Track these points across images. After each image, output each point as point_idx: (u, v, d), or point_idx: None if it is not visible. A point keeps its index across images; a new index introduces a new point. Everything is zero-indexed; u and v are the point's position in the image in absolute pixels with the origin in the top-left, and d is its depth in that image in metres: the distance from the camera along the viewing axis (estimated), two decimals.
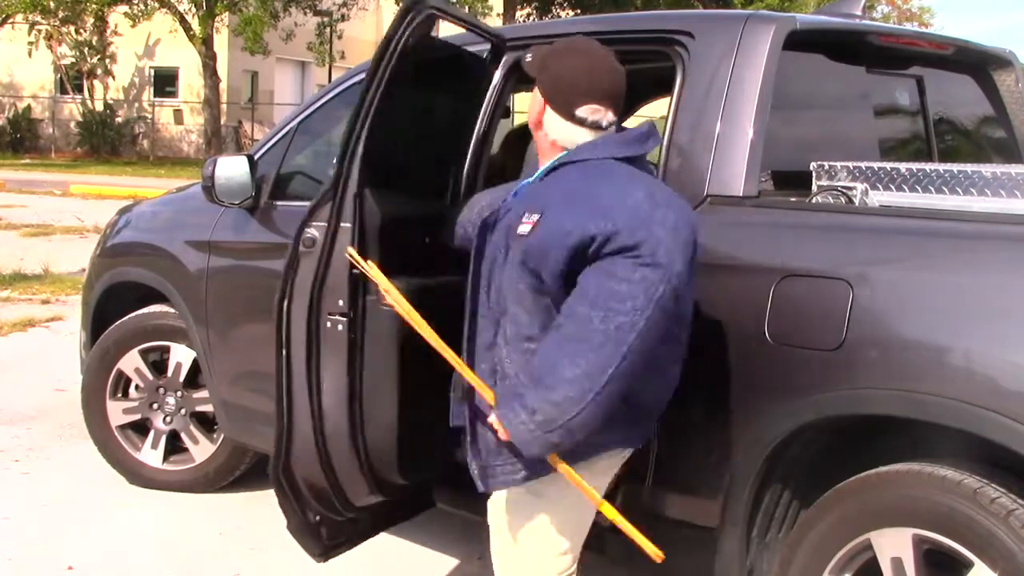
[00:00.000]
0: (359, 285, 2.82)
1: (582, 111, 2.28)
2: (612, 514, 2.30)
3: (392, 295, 2.51)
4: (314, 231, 2.82)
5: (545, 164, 2.37)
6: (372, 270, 2.59)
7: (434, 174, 3.26)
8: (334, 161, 2.81)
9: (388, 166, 2.98)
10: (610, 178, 2.23)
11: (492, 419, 2.21)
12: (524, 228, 2.21)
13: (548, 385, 2.08)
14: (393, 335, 2.82)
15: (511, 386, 2.21)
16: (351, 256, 2.64)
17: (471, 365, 2.38)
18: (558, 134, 2.32)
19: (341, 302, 2.79)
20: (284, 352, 2.87)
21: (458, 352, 2.41)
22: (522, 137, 4.16)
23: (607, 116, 2.30)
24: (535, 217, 2.20)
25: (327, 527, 3.01)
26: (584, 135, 2.31)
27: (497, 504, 2.50)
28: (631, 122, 5.88)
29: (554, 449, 2.15)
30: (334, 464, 2.92)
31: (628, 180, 2.22)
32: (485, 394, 2.27)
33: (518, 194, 2.40)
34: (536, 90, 2.37)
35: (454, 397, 2.53)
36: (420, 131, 3.31)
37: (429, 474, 3.14)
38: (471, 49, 3.31)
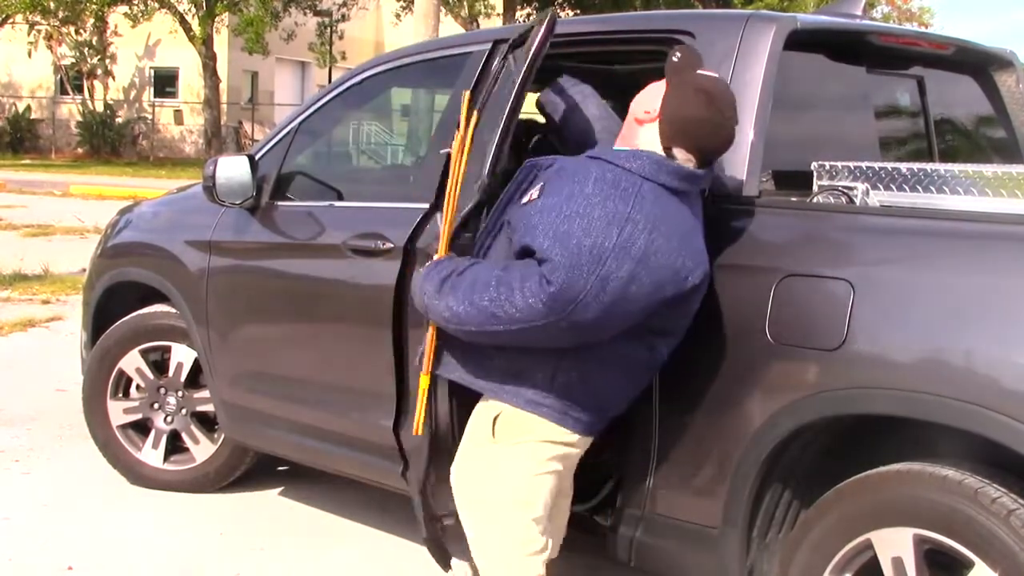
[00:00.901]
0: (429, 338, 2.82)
1: (677, 151, 2.43)
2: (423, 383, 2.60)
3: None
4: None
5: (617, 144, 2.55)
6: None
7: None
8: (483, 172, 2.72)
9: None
10: (616, 203, 2.31)
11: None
12: (530, 194, 2.46)
13: (441, 291, 2.43)
14: None
15: (444, 265, 2.49)
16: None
17: None
18: (639, 139, 2.48)
19: None
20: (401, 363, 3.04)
21: None
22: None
23: (690, 163, 2.44)
24: (535, 194, 2.43)
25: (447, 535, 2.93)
26: (658, 154, 2.43)
27: (457, 479, 2.64)
28: None
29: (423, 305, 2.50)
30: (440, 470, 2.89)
31: (624, 216, 2.29)
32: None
33: (561, 160, 2.55)
34: (665, 92, 2.49)
35: None
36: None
37: None
38: (469, 49, 3.30)
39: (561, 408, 2.47)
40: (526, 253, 2.35)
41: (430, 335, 2.57)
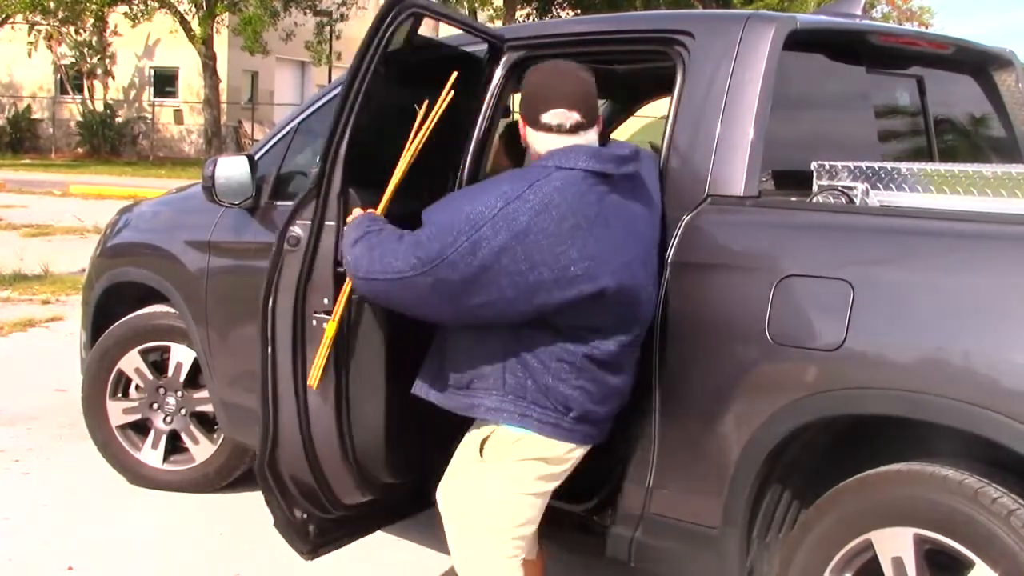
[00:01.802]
0: (344, 284, 2.82)
1: (546, 116, 2.47)
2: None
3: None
4: (298, 229, 2.83)
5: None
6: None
7: (426, 174, 3.26)
8: (317, 159, 2.82)
9: (373, 165, 2.98)
10: (551, 210, 2.35)
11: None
12: None
13: (353, 239, 2.56)
14: (379, 333, 2.83)
15: (367, 223, 2.61)
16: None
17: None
18: (535, 145, 2.52)
19: (326, 300, 2.80)
20: (270, 350, 2.88)
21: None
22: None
23: (570, 117, 2.46)
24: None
25: (315, 524, 3.01)
26: (554, 140, 2.47)
27: (444, 495, 2.67)
28: (632, 122, 5.89)
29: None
30: (321, 462, 2.92)
31: (534, 203, 2.35)
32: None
33: None
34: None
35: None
36: (409, 131, 3.30)
37: (418, 473, 3.13)
38: (468, 49, 3.31)
39: (524, 411, 2.47)
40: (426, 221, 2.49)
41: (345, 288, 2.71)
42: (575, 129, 2.46)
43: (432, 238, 2.38)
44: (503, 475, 2.53)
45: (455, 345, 2.57)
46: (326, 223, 2.80)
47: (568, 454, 2.54)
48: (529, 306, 2.37)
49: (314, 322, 2.81)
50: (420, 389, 2.65)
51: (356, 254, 2.53)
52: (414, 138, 2.80)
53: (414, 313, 2.52)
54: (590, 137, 2.49)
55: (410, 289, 2.42)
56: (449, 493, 2.68)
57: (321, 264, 2.81)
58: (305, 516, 2.99)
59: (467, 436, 2.64)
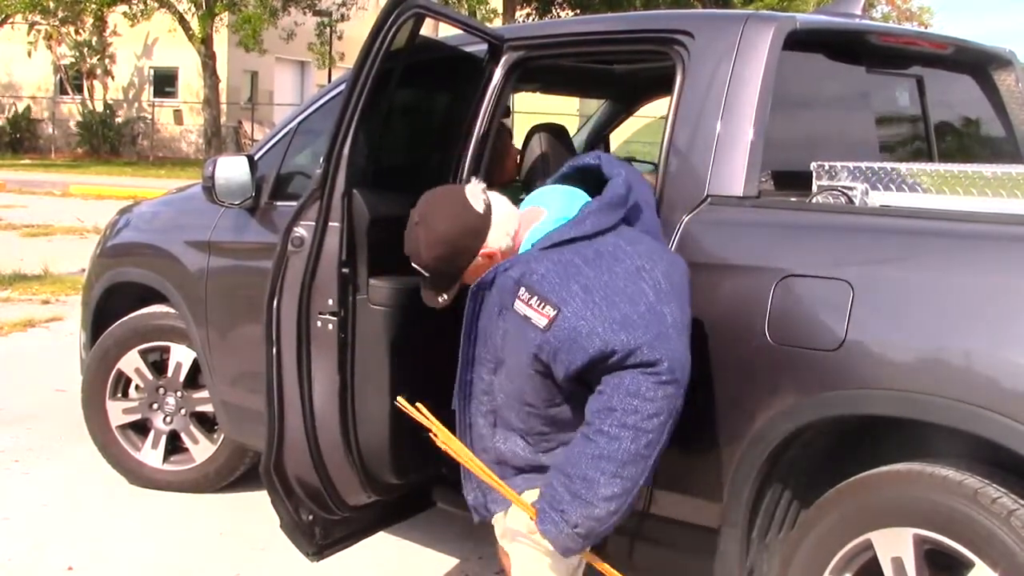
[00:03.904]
0: (348, 284, 2.82)
1: (478, 207, 2.37)
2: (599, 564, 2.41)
3: (442, 435, 2.44)
4: (302, 230, 2.82)
5: (525, 245, 2.41)
6: (415, 412, 2.47)
7: (427, 174, 3.26)
8: (320, 160, 2.81)
9: (377, 166, 2.98)
10: (615, 266, 2.27)
11: (531, 526, 2.32)
12: (539, 320, 2.23)
13: (588, 500, 2.20)
14: (384, 335, 2.82)
15: (548, 499, 2.26)
16: (401, 404, 2.49)
17: (467, 405, 2.48)
18: (504, 239, 2.40)
19: (331, 301, 2.80)
20: (274, 351, 2.87)
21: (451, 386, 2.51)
22: (546, 134, 4.17)
23: (475, 187, 2.42)
24: (550, 311, 2.22)
25: (320, 526, 3.01)
26: (502, 211, 2.40)
27: (510, 530, 2.49)
28: (631, 123, 5.88)
29: (586, 547, 2.31)
30: (326, 463, 2.92)
31: (634, 270, 2.28)
32: (525, 510, 2.34)
33: (515, 265, 2.33)
34: (469, 271, 2.42)
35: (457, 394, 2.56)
36: (411, 131, 3.31)
37: (423, 474, 3.14)
38: (468, 49, 3.32)
39: None
40: (595, 364, 2.20)
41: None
42: (489, 199, 2.40)
43: (660, 353, 2.17)
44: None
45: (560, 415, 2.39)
46: (330, 224, 2.79)
47: None
48: None
49: (318, 323, 2.81)
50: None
51: (617, 489, 2.19)
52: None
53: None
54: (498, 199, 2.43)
55: (676, 413, 2.22)
56: (511, 529, 2.48)
57: (325, 265, 2.81)
58: (311, 517, 2.99)
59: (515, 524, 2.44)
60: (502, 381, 2.39)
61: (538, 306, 2.24)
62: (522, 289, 2.27)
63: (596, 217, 2.35)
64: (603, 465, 2.18)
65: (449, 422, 2.64)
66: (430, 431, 2.44)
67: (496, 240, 2.40)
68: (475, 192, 2.42)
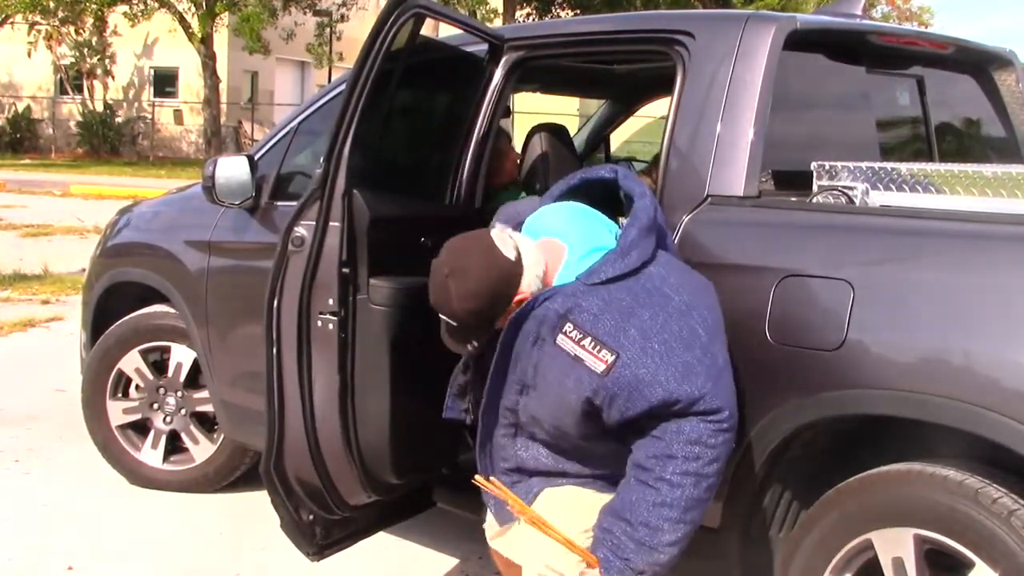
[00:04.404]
0: (349, 284, 2.82)
1: (510, 254, 2.27)
2: None
3: (527, 516, 2.35)
4: (303, 230, 2.82)
5: (558, 282, 2.31)
6: (494, 488, 2.38)
7: (428, 174, 3.26)
8: (321, 160, 2.81)
9: (377, 166, 2.98)
10: (667, 305, 2.22)
11: (589, 573, 2.29)
12: (595, 365, 2.17)
13: (653, 547, 2.20)
14: (384, 335, 2.82)
15: (611, 547, 2.23)
16: (479, 482, 2.42)
17: (490, 419, 2.42)
18: (536, 283, 2.30)
19: (331, 301, 2.80)
20: (275, 350, 2.87)
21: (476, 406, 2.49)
22: (544, 134, 4.17)
23: (499, 232, 2.32)
24: (607, 356, 2.16)
25: (321, 526, 3.01)
26: (530, 254, 2.30)
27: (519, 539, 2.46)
28: (632, 123, 5.87)
29: None
30: (326, 463, 2.92)
31: (682, 309, 2.23)
32: (586, 558, 2.31)
33: (558, 296, 2.24)
34: (504, 317, 2.33)
35: (450, 392, 2.54)
36: (412, 131, 3.30)
37: (424, 474, 3.14)
38: (468, 49, 3.32)
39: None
40: (655, 412, 2.18)
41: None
42: (519, 245, 2.32)
43: (720, 402, 2.18)
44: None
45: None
46: (330, 224, 2.79)
47: None
48: None
49: (319, 323, 2.81)
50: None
51: (679, 535, 2.20)
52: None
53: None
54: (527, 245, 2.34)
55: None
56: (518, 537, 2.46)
57: (325, 265, 2.81)
58: (311, 517, 2.99)
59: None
60: (529, 403, 2.35)
61: (593, 348, 2.17)
62: (569, 326, 2.20)
63: (640, 249, 2.28)
64: (666, 512, 2.18)
65: (449, 421, 2.64)
66: (507, 503, 2.37)
67: (528, 284, 2.30)
68: (502, 238, 2.32)
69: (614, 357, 2.15)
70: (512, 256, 2.29)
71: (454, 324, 2.34)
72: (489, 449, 2.48)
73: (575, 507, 2.38)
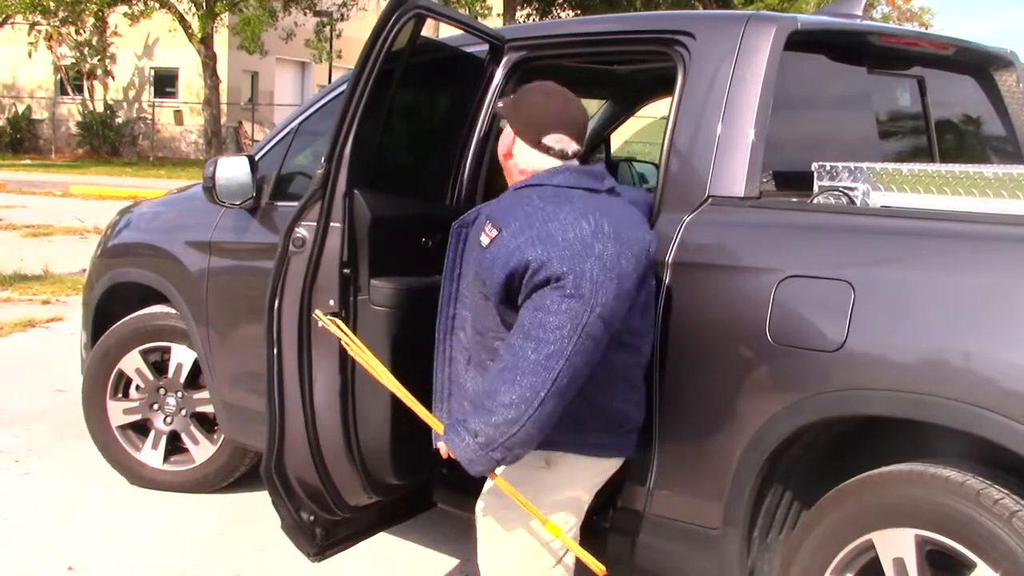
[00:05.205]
0: (349, 285, 2.82)
1: (548, 139, 2.49)
2: (553, 530, 2.43)
3: (352, 348, 2.65)
4: (303, 231, 2.82)
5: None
6: (331, 326, 2.70)
7: (428, 175, 3.26)
8: (322, 161, 2.81)
9: (378, 166, 2.98)
10: (566, 205, 2.37)
11: (440, 445, 2.43)
12: (484, 240, 2.38)
13: (488, 409, 2.27)
14: (385, 335, 2.82)
15: (455, 414, 2.43)
16: (318, 316, 2.74)
17: (447, 339, 2.58)
18: (527, 162, 2.52)
19: (332, 302, 2.80)
20: (275, 351, 2.88)
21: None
22: None
23: (571, 145, 2.51)
24: (494, 232, 2.36)
25: (321, 527, 3.01)
26: (550, 162, 2.50)
27: (484, 500, 2.58)
28: (632, 123, 5.88)
29: (496, 465, 2.35)
30: (327, 463, 2.92)
31: (582, 211, 2.35)
32: (434, 425, 2.49)
33: (489, 203, 2.52)
34: (507, 126, 2.58)
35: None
36: (413, 131, 3.30)
37: (424, 474, 3.14)
38: (468, 49, 3.32)
39: (580, 440, 2.45)
40: (514, 278, 2.29)
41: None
42: (572, 156, 2.52)
43: (568, 270, 2.23)
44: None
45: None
46: (331, 224, 2.80)
47: (608, 465, 2.57)
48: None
49: (319, 323, 2.82)
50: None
51: (514, 396, 2.23)
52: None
53: (581, 371, 2.29)
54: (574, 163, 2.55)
55: (588, 342, 2.25)
56: (490, 510, 2.57)
57: (326, 265, 2.81)
58: (312, 518, 2.99)
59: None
60: (465, 321, 2.50)
61: (487, 228, 2.38)
62: (486, 220, 2.41)
63: (568, 174, 2.47)
64: (504, 375, 2.26)
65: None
66: (344, 344, 2.64)
67: (518, 152, 2.52)
68: (563, 143, 2.49)
69: (497, 232, 2.34)
70: (544, 140, 2.49)
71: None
72: (448, 374, 2.56)
73: None
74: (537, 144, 2.49)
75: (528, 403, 2.23)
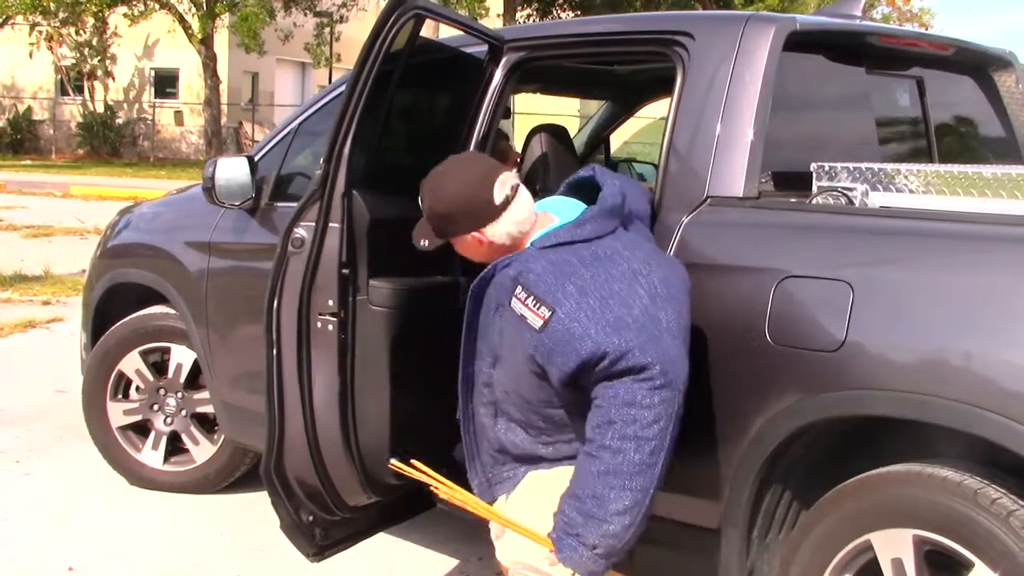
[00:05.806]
0: (348, 285, 2.82)
1: (496, 197, 2.33)
2: None
3: (442, 490, 2.51)
4: (302, 231, 2.83)
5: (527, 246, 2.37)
6: (416, 473, 2.56)
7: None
8: (320, 161, 2.82)
9: (377, 166, 2.98)
10: (612, 268, 2.26)
11: (551, 558, 2.27)
12: (535, 321, 2.21)
13: (601, 519, 2.18)
14: (384, 336, 2.83)
15: (562, 526, 2.24)
16: (395, 466, 2.65)
17: (468, 396, 2.47)
18: (507, 235, 2.36)
19: (331, 302, 2.80)
20: (275, 352, 2.88)
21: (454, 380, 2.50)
22: (545, 135, 4.18)
23: (509, 178, 2.36)
24: (545, 312, 2.20)
25: (321, 527, 3.02)
26: (521, 210, 2.36)
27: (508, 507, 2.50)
28: (632, 123, 5.88)
29: (611, 565, 2.26)
30: (326, 464, 2.93)
31: (629, 273, 2.27)
32: (542, 543, 2.31)
33: (514, 262, 2.31)
34: (458, 241, 2.43)
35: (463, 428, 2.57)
36: (412, 132, 3.30)
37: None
38: (468, 50, 3.32)
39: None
40: (586, 368, 2.18)
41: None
42: (517, 186, 2.37)
43: (650, 355, 2.15)
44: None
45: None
46: (330, 225, 2.80)
47: None
48: None
49: (319, 324, 2.82)
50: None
51: (628, 502, 2.17)
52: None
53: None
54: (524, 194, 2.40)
55: (675, 413, 2.20)
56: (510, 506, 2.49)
57: (325, 266, 2.81)
58: (311, 518, 2.99)
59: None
60: (500, 375, 2.39)
61: (534, 306, 2.22)
62: (519, 288, 2.25)
63: (595, 222, 2.35)
64: (610, 480, 2.17)
65: (449, 420, 2.64)
66: (432, 487, 2.47)
67: (496, 234, 2.36)
68: (506, 182, 2.35)
69: (551, 313, 2.19)
70: (498, 200, 2.33)
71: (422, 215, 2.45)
72: (472, 431, 2.50)
73: (551, 491, 2.36)
74: (496, 214, 2.33)
75: (640, 504, 2.19)
